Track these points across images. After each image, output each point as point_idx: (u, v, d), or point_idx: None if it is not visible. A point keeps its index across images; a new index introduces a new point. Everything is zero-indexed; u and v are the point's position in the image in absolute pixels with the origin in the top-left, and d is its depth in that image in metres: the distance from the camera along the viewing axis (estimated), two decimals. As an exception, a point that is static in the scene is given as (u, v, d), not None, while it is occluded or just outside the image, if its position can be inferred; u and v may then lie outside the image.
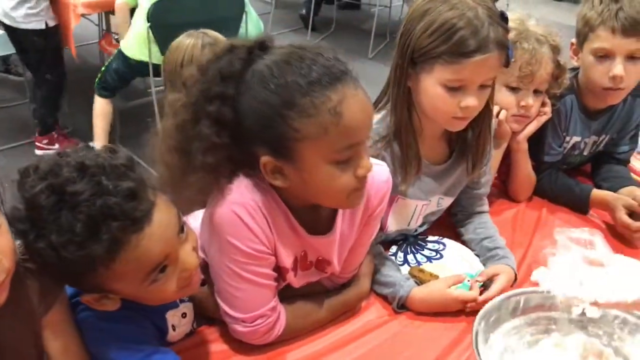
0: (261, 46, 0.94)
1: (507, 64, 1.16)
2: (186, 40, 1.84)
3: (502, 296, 1.11)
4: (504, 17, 1.14)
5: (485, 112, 1.23)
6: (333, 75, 0.89)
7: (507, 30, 1.14)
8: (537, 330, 1.13)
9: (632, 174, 1.70)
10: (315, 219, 1.06)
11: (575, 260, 1.28)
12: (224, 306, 1.05)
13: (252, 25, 3.07)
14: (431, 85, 1.14)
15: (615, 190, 1.56)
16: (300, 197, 1.01)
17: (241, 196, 0.96)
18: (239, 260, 0.99)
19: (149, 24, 2.64)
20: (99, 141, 2.83)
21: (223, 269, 1.01)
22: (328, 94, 0.88)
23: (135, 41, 2.76)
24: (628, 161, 1.75)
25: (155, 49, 2.72)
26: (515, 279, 1.27)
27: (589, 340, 1.12)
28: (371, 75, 1.23)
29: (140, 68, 2.82)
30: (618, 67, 1.44)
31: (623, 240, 1.48)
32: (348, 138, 0.90)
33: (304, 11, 5.29)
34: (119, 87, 2.95)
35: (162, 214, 0.84)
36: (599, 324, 1.12)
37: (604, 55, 1.46)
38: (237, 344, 1.09)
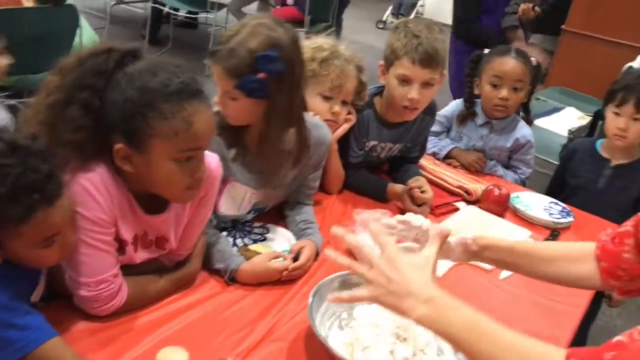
0: (134, 54, 1.12)
1: None
2: None
3: (331, 276, 1.34)
4: None
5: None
6: (190, 91, 1.09)
7: None
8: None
9: (420, 170, 2.07)
10: (154, 201, 1.22)
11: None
12: (69, 272, 1.15)
13: (87, 38, 3.11)
14: None
15: (405, 181, 1.89)
16: (142, 184, 1.17)
17: (90, 174, 1.11)
18: (84, 227, 1.12)
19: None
20: None
21: None
22: (185, 105, 1.08)
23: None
24: (417, 161, 2.12)
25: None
26: (318, 252, 1.54)
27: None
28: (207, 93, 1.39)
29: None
30: (414, 92, 1.75)
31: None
32: (191, 143, 1.11)
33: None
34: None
35: (67, 197, 1.03)
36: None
37: (405, 80, 1.76)
38: (83, 313, 1.19)
